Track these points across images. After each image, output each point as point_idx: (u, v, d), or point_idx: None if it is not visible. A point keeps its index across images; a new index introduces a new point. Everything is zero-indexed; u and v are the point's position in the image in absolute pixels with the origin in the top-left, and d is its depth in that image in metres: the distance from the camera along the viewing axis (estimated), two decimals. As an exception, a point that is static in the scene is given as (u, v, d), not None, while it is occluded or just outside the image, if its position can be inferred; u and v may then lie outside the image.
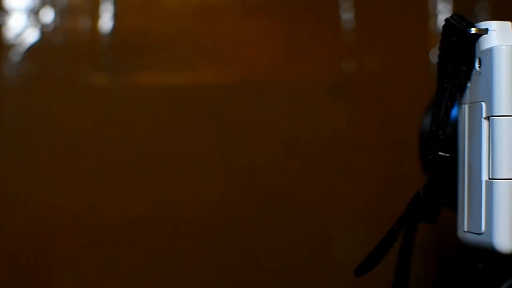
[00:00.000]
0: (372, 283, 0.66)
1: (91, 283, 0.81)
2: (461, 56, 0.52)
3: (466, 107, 0.53)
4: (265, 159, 0.84)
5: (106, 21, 0.82)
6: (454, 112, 0.54)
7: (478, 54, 0.52)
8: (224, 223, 0.83)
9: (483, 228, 0.51)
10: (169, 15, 0.82)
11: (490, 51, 0.50)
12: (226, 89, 0.83)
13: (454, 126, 0.55)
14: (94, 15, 0.82)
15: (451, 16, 0.53)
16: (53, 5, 0.82)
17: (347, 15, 0.85)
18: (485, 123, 0.51)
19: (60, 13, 0.82)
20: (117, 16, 0.82)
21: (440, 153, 0.52)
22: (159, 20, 0.82)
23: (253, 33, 0.84)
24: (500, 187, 0.50)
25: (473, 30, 0.51)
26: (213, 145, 0.83)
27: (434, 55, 0.84)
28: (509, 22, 0.51)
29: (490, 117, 0.50)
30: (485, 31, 0.51)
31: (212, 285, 0.82)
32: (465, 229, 0.53)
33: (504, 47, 0.50)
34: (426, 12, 0.88)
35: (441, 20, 0.86)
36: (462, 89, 0.52)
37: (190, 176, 0.83)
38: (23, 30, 0.81)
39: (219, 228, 0.83)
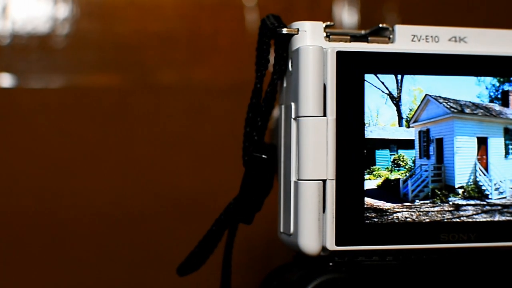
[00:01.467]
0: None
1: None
2: (277, 56, 0.52)
3: (282, 108, 0.53)
4: (162, 158, 0.83)
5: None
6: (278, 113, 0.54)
7: (290, 55, 0.52)
8: (119, 221, 0.81)
9: (292, 229, 0.51)
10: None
11: (297, 51, 0.50)
12: (124, 90, 0.82)
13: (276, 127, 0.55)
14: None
15: (267, 17, 0.53)
16: None
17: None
18: (294, 124, 0.50)
19: None
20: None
21: (255, 154, 0.52)
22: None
23: (154, 35, 0.83)
24: (306, 188, 0.49)
25: (284, 31, 0.51)
26: (109, 145, 0.82)
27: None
28: (321, 22, 0.51)
29: (298, 118, 0.50)
30: (296, 31, 0.51)
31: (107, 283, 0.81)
32: (281, 230, 0.53)
33: (311, 47, 0.50)
34: (330, 14, 0.88)
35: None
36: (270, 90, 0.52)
37: (82, 175, 0.82)
38: None
39: (113, 227, 0.81)
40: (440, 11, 0.87)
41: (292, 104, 0.50)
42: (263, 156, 0.52)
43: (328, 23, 0.51)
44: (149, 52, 0.82)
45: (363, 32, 0.53)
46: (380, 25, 0.52)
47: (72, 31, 0.81)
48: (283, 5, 0.85)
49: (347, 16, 0.86)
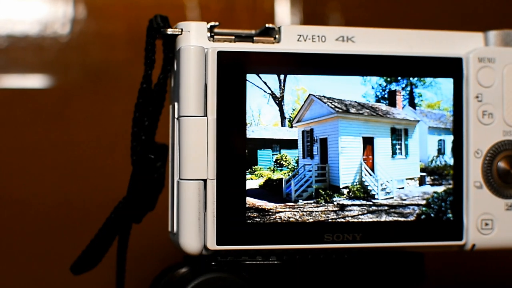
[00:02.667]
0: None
1: None
2: (164, 57, 0.52)
3: (170, 108, 0.53)
4: (103, 159, 0.83)
5: None
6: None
7: (176, 55, 0.52)
8: (59, 222, 0.82)
9: (175, 229, 0.51)
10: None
11: (179, 51, 0.50)
12: (64, 91, 0.83)
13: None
14: None
15: (154, 17, 0.53)
16: None
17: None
18: (177, 124, 0.51)
19: None
20: None
21: (143, 154, 0.52)
22: None
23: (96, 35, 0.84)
24: (186, 187, 0.50)
25: (169, 31, 0.51)
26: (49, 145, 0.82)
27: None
28: (205, 23, 0.51)
29: (179, 118, 0.50)
30: (180, 31, 0.51)
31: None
32: (169, 229, 0.53)
33: (192, 47, 0.50)
34: (273, 14, 0.88)
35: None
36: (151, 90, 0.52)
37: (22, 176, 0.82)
38: None
39: (53, 228, 0.82)
40: (384, 11, 0.87)
41: (176, 104, 0.51)
42: (151, 156, 0.52)
43: (213, 23, 0.51)
44: (91, 52, 0.83)
45: (253, 32, 0.53)
46: (267, 25, 0.52)
47: (12, 31, 0.82)
48: (224, 5, 0.86)
49: (290, 16, 0.86)
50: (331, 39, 0.52)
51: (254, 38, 0.51)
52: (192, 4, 0.85)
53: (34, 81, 0.82)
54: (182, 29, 0.51)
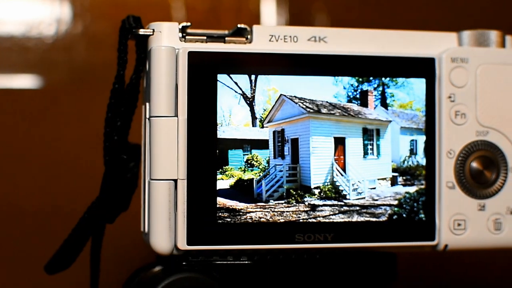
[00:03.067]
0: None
1: None
2: (137, 57, 0.52)
3: (143, 108, 0.53)
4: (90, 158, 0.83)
5: None
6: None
7: (148, 55, 0.52)
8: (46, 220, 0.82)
9: (146, 229, 0.51)
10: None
11: (150, 52, 0.50)
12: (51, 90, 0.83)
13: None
14: None
15: (127, 17, 0.53)
16: None
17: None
18: (148, 124, 0.51)
19: None
20: None
21: (115, 154, 0.52)
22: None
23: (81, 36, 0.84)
24: (157, 187, 0.50)
25: (141, 31, 0.51)
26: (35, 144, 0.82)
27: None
28: (177, 23, 0.51)
29: (150, 118, 0.50)
30: (152, 32, 0.51)
31: None
32: (142, 230, 0.53)
33: (163, 48, 0.50)
34: (258, 14, 0.88)
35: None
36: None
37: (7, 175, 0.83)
38: None
39: (41, 226, 0.82)
40: (369, 11, 0.87)
41: (147, 104, 0.51)
42: (123, 156, 0.52)
43: (185, 23, 0.51)
44: (77, 53, 0.83)
45: (226, 32, 0.53)
46: (239, 26, 0.52)
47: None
48: (210, 5, 0.86)
49: (276, 16, 0.86)
50: (303, 40, 0.52)
51: (226, 38, 0.51)
52: (178, 5, 0.85)
53: (20, 81, 0.83)
54: (154, 29, 0.51)
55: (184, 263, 0.51)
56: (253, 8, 0.86)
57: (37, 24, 0.82)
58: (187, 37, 0.51)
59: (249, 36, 0.52)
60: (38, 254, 0.77)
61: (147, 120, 0.51)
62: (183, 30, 0.51)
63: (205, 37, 0.51)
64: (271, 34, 0.52)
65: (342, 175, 0.52)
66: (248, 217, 0.50)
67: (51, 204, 0.82)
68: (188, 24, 0.51)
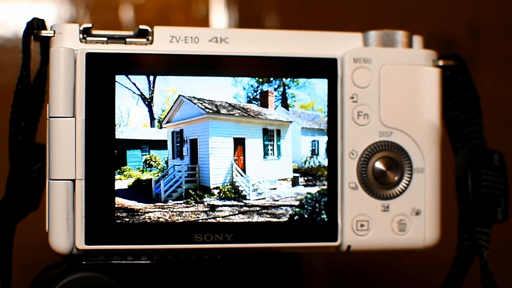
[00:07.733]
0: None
1: None
2: (41, 59, 0.52)
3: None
4: None
5: None
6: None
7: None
8: None
9: (48, 228, 0.51)
10: None
11: (50, 53, 0.51)
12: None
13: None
14: None
15: (31, 19, 0.53)
16: None
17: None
18: (48, 124, 0.51)
19: None
20: None
21: (20, 155, 0.53)
22: None
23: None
24: (55, 187, 0.50)
25: (42, 33, 0.52)
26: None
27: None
28: (77, 25, 0.52)
29: (50, 118, 0.51)
30: (53, 33, 0.52)
31: None
32: (46, 229, 0.54)
33: (61, 49, 0.50)
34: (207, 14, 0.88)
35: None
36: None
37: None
38: None
39: None
40: (320, 12, 0.87)
41: (48, 104, 0.51)
42: (28, 156, 0.53)
43: (85, 25, 0.51)
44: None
45: (129, 33, 0.54)
46: (141, 27, 0.52)
47: None
48: (159, 5, 0.86)
49: (226, 16, 0.87)
50: (204, 40, 0.52)
51: (127, 39, 0.52)
52: (126, 5, 0.85)
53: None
54: (55, 31, 0.51)
55: (84, 262, 0.51)
56: (202, 8, 0.87)
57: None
58: (88, 38, 0.51)
59: (150, 37, 0.52)
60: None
61: (49, 120, 0.51)
62: (84, 31, 0.51)
63: (106, 38, 0.52)
64: (172, 35, 0.52)
65: (241, 175, 0.52)
66: (147, 217, 0.51)
67: None
68: (90, 25, 0.52)
